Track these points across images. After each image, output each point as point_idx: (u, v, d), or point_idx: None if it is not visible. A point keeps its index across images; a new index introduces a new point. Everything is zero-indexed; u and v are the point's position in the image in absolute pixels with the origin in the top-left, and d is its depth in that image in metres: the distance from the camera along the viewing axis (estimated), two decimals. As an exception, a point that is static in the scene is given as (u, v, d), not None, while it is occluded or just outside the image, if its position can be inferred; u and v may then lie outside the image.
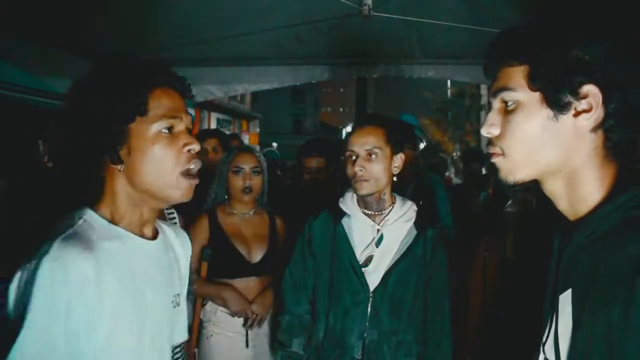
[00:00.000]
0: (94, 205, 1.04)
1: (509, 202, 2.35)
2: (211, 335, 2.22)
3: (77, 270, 0.91)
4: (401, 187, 1.91)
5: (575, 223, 0.88)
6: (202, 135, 3.48)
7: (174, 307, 1.15)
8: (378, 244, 1.76)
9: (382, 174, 1.72)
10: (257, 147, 6.42)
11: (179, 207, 2.19)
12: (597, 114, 0.84)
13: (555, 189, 0.90)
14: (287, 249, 2.35)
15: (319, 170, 2.84)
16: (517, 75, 0.88)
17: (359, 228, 1.78)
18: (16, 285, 0.91)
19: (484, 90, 16.92)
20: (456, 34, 3.04)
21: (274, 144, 19.52)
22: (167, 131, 1.01)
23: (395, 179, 1.79)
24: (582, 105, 0.84)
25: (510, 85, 0.88)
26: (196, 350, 2.25)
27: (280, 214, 2.41)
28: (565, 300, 0.86)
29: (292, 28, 3.07)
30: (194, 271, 2.16)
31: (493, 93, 0.91)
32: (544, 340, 0.92)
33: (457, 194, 3.89)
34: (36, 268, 0.89)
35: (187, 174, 1.03)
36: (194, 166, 1.04)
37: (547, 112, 0.85)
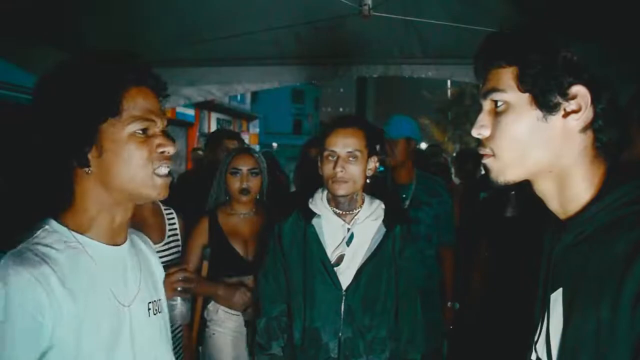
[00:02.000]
0: (61, 213, 0.99)
1: (508, 207, 2.35)
2: (213, 334, 2.24)
3: (19, 293, 0.85)
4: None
5: (565, 222, 0.89)
6: (220, 136, 3.51)
7: (153, 314, 1.09)
8: (349, 242, 1.77)
9: (360, 175, 1.73)
10: (258, 147, 6.43)
11: (179, 208, 2.20)
12: (586, 114, 0.84)
13: (545, 189, 0.90)
14: None
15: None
16: (506, 76, 0.88)
17: (329, 228, 1.79)
18: None
19: (483, 90, 16.96)
20: (456, 34, 3.04)
21: (274, 144, 19.52)
22: (141, 133, 0.97)
23: (368, 180, 1.79)
24: (571, 105, 0.85)
25: (500, 86, 0.89)
26: (200, 348, 2.27)
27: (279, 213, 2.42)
28: (556, 299, 0.87)
29: (292, 28, 3.07)
30: (195, 270, 2.17)
31: (483, 94, 0.92)
32: (535, 339, 0.93)
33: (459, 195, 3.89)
34: None
35: (159, 175, 0.99)
36: (165, 169, 0.99)
37: (537, 113, 0.86)
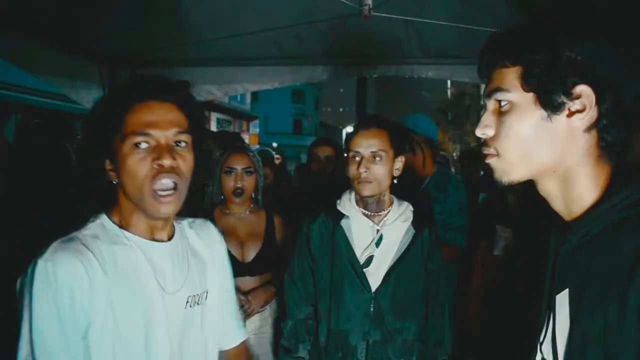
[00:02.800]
0: (110, 210, 1.12)
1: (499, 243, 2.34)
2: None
3: (65, 270, 0.97)
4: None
5: (570, 223, 0.88)
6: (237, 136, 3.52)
7: (190, 307, 1.16)
8: (378, 244, 1.76)
9: (385, 176, 1.73)
10: (257, 147, 6.43)
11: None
12: (591, 114, 0.84)
13: (550, 189, 0.90)
14: (285, 246, 2.36)
15: (328, 159, 2.88)
16: (511, 76, 0.88)
17: (358, 229, 1.78)
18: (21, 280, 1.01)
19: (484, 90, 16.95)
20: (456, 34, 3.04)
21: (274, 144, 19.52)
22: (138, 147, 1.04)
23: (395, 181, 1.79)
24: (576, 105, 0.84)
25: (504, 86, 0.88)
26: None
27: (279, 212, 2.42)
28: (562, 300, 0.87)
29: (292, 28, 3.07)
30: None
31: (487, 94, 0.92)
32: (541, 340, 0.92)
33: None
34: (33, 267, 0.97)
35: (157, 193, 1.04)
36: (166, 181, 1.04)
37: (541, 112, 0.85)
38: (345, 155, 1.79)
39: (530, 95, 0.86)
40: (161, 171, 1.04)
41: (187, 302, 1.16)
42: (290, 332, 1.84)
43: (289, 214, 2.45)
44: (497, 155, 0.90)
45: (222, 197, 2.32)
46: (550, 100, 0.84)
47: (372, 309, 1.72)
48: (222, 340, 1.32)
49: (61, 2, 2.57)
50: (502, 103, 0.89)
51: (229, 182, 2.25)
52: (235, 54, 3.57)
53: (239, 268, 2.22)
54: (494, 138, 0.90)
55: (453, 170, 5.33)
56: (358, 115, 5.28)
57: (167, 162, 1.03)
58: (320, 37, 3.27)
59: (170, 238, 1.17)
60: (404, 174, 1.85)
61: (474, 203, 3.16)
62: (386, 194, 1.80)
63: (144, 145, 1.04)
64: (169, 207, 1.06)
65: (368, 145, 1.72)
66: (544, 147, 0.86)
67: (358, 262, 1.74)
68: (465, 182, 4.25)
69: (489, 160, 0.91)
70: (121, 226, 1.10)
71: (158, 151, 1.04)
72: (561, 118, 0.85)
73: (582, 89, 0.83)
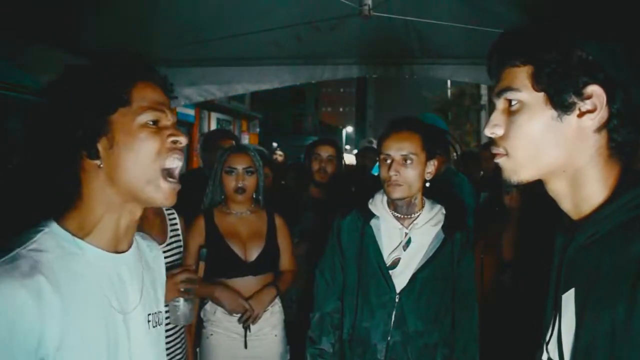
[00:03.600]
0: (63, 215, 0.95)
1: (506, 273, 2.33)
2: (211, 335, 2.23)
3: (5, 302, 0.80)
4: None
5: (578, 223, 0.88)
6: (216, 136, 3.51)
7: (152, 326, 1.05)
8: (406, 247, 1.77)
9: (416, 179, 1.73)
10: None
11: (179, 209, 2.19)
12: (601, 114, 0.84)
13: (559, 189, 0.90)
14: (287, 246, 2.36)
15: (330, 159, 2.90)
16: (521, 75, 0.87)
17: (387, 230, 1.79)
18: None
19: (484, 90, 16.91)
20: (456, 34, 3.04)
21: (274, 144, 19.52)
22: (152, 124, 0.96)
23: (427, 184, 1.79)
24: (586, 105, 0.84)
25: (514, 85, 0.88)
26: (197, 350, 2.26)
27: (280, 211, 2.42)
28: (568, 300, 0.87)
29: (292, 28, 3.06)
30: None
31: (497, 93, 0.91)
32: (547, 339, 0.92)
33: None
34: None
35: (168, 174, 0.96)
36: (177, 161, 0.97)
37: (551, 112, 0.85)
38: (378, 157, 1.81)
39: (541, 94, 0.86)
40: (176, 148, 0.97)
41: (149, 321, 1.04)
42: (316, 324, 1.87)
43: (287, 212, 2.46)
44: (507, 154, 0.89)
45: (223, 196, 2.32)
46: (561, 100, 0.84)
47: (395, 310, 1.73)
48: None
49: (61, 2, 2.57)
50: (512, 102, 0.88)
51: (231, 182, 2.25)
52: (235, 54, 3.56)
53: (242, 268, 2.22)
54: (503, 137, 0.90)
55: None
56: (358, 115, 5.28)
57: (183, 140, 0.98)
58: (320, 37, 3.27)
59: (129, 247, 1.03)
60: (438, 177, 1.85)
61: (475, 203, 3.16)
62: (418, 197, 1.79)
63: (159, 123, 0.97)
64: (173, 198, 0.97)
65: (399, 148, 1.72)
66: (553, 147, 0.86)
67: (384, 263, 1.75)
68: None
69: (498, 160, 0.91)
70: (77, 235, 0.93)
71: (172, 129, 0.98)
72: (572, 118, 0.84)
73: (593, 89, 0.83)
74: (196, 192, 2.55)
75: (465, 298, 1.80)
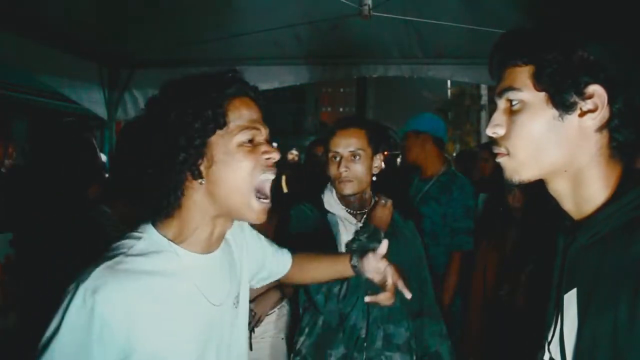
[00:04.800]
0: (161, 222, 1.01)
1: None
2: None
3: (104, 303, 0.88)
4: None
5: (579, 222, 0.88)
6: None
7: (235, 307, 1.13)
8: None
9: (365, 174, 1.77)
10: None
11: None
12: (603, 114, 0.84)
13: (560, 189, 0.90)
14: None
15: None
16: (523, 75, 0.87)
17: (343, 226, 1.81)
18: (59, 303, 0.91)
19: (484, 90, 16.90)
20: (456, 34, 3.04)
21: (274, 144, 19.50)
22: (249, 143, 1.00)
23: (374, 178, 1.82)
24: (588, 105, 0.84)
25: (516, 85, 0.88)
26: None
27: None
28: (570, 300, 0.87)
29: (292, 28, 3.06)
30: None
31: (498, 93, 0.91)
32: (549, 339, 0.92)
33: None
34: (73, 293, 0.89)
35: (259, 192, 1.01)
36: (270, 175, 1.02)
37: (553, 112, 0.85)
38: (326, 156, 1.82)
39: (542, 94, 0.86)
40: (269, 165, 1.02)
41: (234, 303, 1.13)
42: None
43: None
44: (508, 154, 0.89)
45: None
46: (562, 99, 0.84)
47: (368, 289, 1.73)
48: (279, 271, 1.41)
49: (61, 2, 2.57)
50: (514, 102, 0.89)
51: None
52: (235, 54, 3.57)
53: None
54: (504, 137, 0.90)
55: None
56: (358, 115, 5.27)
57: (276, 156, 1.02)
58: (320, 37, 3.27)
59: (218, 246, 1.10)
60: (390, 175, 1.87)
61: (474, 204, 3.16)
62: (367, 192, 1.84)
63: (254, 141, 1.01)
64: (264, 216, 1.03)
65: (347, 144, 1.75)
66: (555, 146, 0.86)
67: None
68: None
69: (500, 160, 0.91)
70: (173, 241, 1.00)
71: (265, 146, 1.02)
72: (573, 118, 0.84)
73: (595, 88, 0.83)
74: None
75: (415, 263, 1.86)
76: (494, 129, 0.91)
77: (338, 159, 1.76)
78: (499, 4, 2.71)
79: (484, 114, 16.84)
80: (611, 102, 0.84)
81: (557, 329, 0.89)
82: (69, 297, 0.89)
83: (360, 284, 1.73)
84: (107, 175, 2.93)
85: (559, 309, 0.89)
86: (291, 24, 3.01)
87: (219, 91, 0.99)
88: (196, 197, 1.00)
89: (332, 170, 1.77)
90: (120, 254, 0.94)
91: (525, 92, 0.87)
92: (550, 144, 0.86)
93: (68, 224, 1.76)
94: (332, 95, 64.51)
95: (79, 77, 3.51)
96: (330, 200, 1.85)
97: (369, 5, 2.60)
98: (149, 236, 0.99)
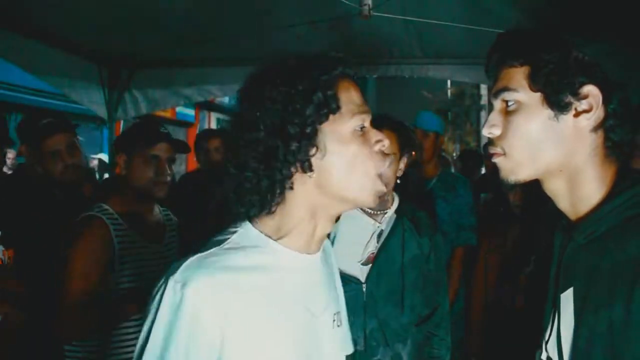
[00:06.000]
0: (259, 217, 0.90)
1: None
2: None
3: (197, 298, 0.80)
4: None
5: (576, 222, 0.88)
6: (205, 135, 3.51)
7: (337, 326, 1.00)
8: (379, 240, 1.78)
9: (394, 177, 1.75)
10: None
11: (179, 210, 2.18)
12: (598, 114, 0.84)
13: (556, 189, 0.90)
14: None
15: None
16: (518, 75, 0.88)
17: (359, 227, 1.79)
18: (152, 296, 0.84)
19: (484, 90, 16.89)
20: (456, 34, 3.04)
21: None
22: (360, 130, 0.88)
23: (398, 180, 1.80)
24: (583, 105, 0.84)
25: (512, 85, 0.88)
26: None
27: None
28: (567, 299, 0.87)
29: (292, 28, 3.06)
30: None
31: (494, 93, 0.92)
32: (546, 338, 0.93)
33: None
34: (163, 288, 0.81)
35: (381, 176, 0.91)
36: (385, 164, 0.92)
37: (548, 112, 0.85)
38: None
39: (538, 95, 0.86)
40: (384, 154, 0.92)
41: (334, 320, 0.99)
42: None
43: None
44: (504, 154, 0.90)
45: None
46: (558, 100, 0.85)
47: (364, 298, 1.73)
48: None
49: (61, 2, 2.57)
50: (510, 103, 0.89)
51: None
52: (235, 54, 3.56)
53: None
54: (500, 137, 0.90)
55: (453, 170, 5.35)
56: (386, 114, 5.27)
57: (388, 143, 0.91)
58: (320, 37, 3.27)
59: (319, 249, 0.97)
60: (410, 174, 1.85)
61: (475, 203, 3.17)
62: (390, 193, 1.82)
63: (361, 128, 0.89)
64: (378, 197, 0.92)
65: None
66: (550, 146, 0.86)
67: (341, 272, 1.74)
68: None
69: (496, 160, 0.92)
70: (271, 237, 0.90)
71: (375, 133, 0.90)
72: (568, 118, 0.85)
73: (590, 89, 0.84)
74: (196, 193, 2.55)
75: (432, 277, 1.82)
76: (490, 129, 0.91)
77: None
78: (499, 4, 2.71)
79: (483, 114, 16.83)
80: (606, 102, 0.84)
81: (554, 328, 0.90)
82: (159, 293, 0.82)
83: (358, 297, 1.73)
84: (106, 175, 2.93)
85: (556, 308, 0.90)
86: (291, 24, 3.01)
87: (327, 72, 0.87)
88: (303, 190, 0.88)
89: None
90: (213, 247, 0.86)
91: (521, 92, 0.87)
92: (545, 144, 0.86)
93: (68, 223, 1.75)
94: (332, 95, 64.34)
95: (79, 77, 3.51)
96: None
97: (369, 5, 2.59)
98: (244, 231, 0.89)
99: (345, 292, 1.70)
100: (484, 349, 2.45)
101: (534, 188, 0.93)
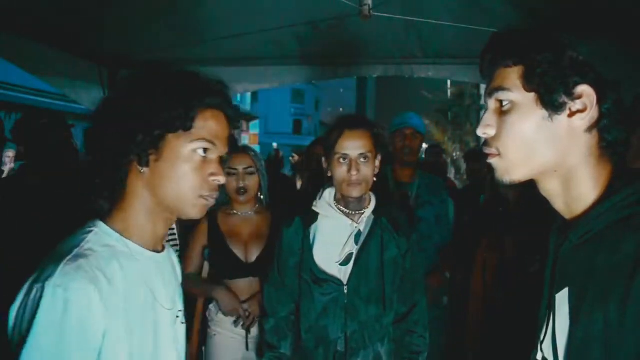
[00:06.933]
0: (108, 216, 1.00)
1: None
2: (215, 335, 2.24)
3: (78, 299, 0.85)
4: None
5: (571, 222, 0.89)
6: None
7: (181, 323, 1.12)
8: (357, 241, 1.77)
9: (371, 176, 1.75)
10: (258, 147, 6.42)
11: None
12: (592, 114, 0.84)
13: (551, 189, 0.90)
14: None
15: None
16: (512, 75, 0.88)
17: (335, 228, 1.79)
18: (18, 307, 0.87)
19: (483, 90, 16.90)
20: (456, 34, 3.04)
21: (274, 144, 19.54)
22: (202, 153, 0.99)
23: (375, 179, 1.80)
24: (577, 105, 0.85)
25: (506, 85, 0.88)
26: (203, 348, 2.27)
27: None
28: (562, 299, 0.87)
29: (292, 28, 3.06)
30: (196, 271, 2.18)
31: (488, 93, 0.92)
32: (541, 338, 0.93)
33: (462, 197, 3.85)
34: (40, 293, 0.84)
35: (205, 198, 1.01)
36: (212, 200, 1.02)
37: (542, 112, 0.86)
38: (328, 156, 1.77)
39: (532, 95, 0.86)
40: (214, 188, 1.02)
41: (177, 317, 1.10)
42: (272, 329, 1.86)
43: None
44: (499, 154, 0.90)
45: (226, 197, 2.32)
46: (552, 100, 0.85)
47: (346, 300, 1.74)
48: None
49: (61, 2, 2.57)
50: (504, 103, 0.89)
51: (232, 183, 2.26)
52: (235, 54, 3.56)
53: (242, 268, 2.23)
54: (495, 138, 0.90)
55: (453, 171, 5.34)
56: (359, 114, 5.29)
57: (222, 180, 1.02)
58: (320, 37, 3.27)
59: (163, 248, 1.10)
60: (386, 179, 1.85)
61: (476, 203, 3.17)
62: (368, 192, 1.82)
63: (207, 155, 1.00)
64: (205, 210, 1.04)
65: (356, 147, 1.70)
66: (545, 147, 0.86)
67: (319, 271, 1.75)
68: (469, 182, 4.27)
69: (491, 160, 0.92)
70: (123, 235, 0.99)
71: (215, 167, 1.01)
72: (562, 118, 0.85)
73: (584, 89, 0.84)
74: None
75: (408, 275, 1.82)
76: (485, 129, 0.91)
77: (346, 160, 1.71)
78: (499, 4, 2.71)
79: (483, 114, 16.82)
80: (600, 102, 0.84)
81: (549, 328, 0.90)
82: (32, 296, 0.85)
83: (339, 298, 1.74)
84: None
85: (551, 308, 0.90)
86: (291, 24, 3.01)
87: (200, 96, 0.98)
88: (136, 186, 0.99)
89: (340, 172, 1.71)
90: (76, 250, 0.91)
91: (515, 92, 0.87)
92: (540, 144, 0.86)
93: (68, 222, 1.76)
94: (332, 95, 64.48)
95: (79, 77, 3.51)
96: (324, 203, 1.82)
97: (369, 5, 2.59)
98: (98, 229, 0.98)
99: (325, 292, 1.73)
100: (483, 348, 2.46)
101: (532, 188, 0.94)
